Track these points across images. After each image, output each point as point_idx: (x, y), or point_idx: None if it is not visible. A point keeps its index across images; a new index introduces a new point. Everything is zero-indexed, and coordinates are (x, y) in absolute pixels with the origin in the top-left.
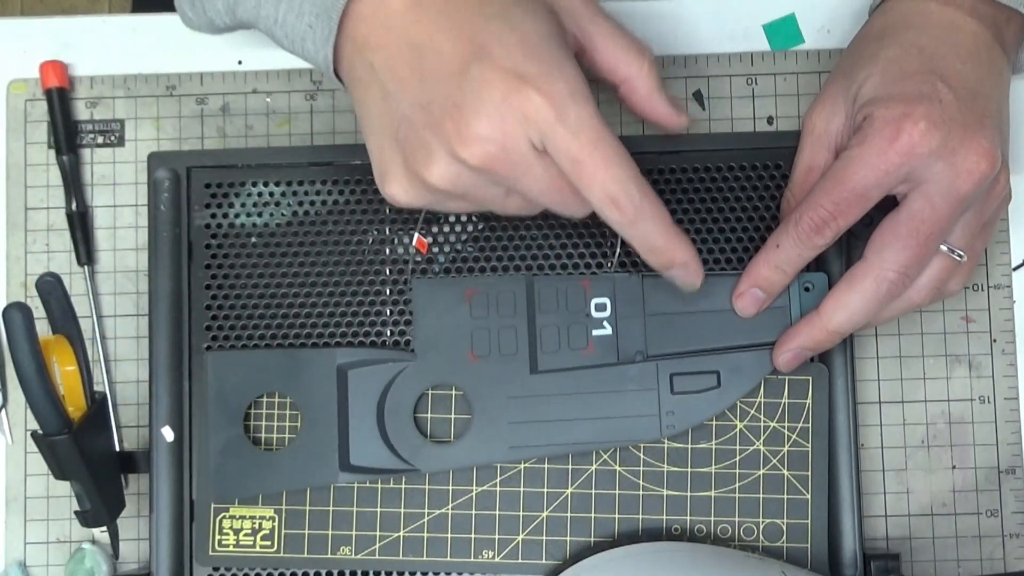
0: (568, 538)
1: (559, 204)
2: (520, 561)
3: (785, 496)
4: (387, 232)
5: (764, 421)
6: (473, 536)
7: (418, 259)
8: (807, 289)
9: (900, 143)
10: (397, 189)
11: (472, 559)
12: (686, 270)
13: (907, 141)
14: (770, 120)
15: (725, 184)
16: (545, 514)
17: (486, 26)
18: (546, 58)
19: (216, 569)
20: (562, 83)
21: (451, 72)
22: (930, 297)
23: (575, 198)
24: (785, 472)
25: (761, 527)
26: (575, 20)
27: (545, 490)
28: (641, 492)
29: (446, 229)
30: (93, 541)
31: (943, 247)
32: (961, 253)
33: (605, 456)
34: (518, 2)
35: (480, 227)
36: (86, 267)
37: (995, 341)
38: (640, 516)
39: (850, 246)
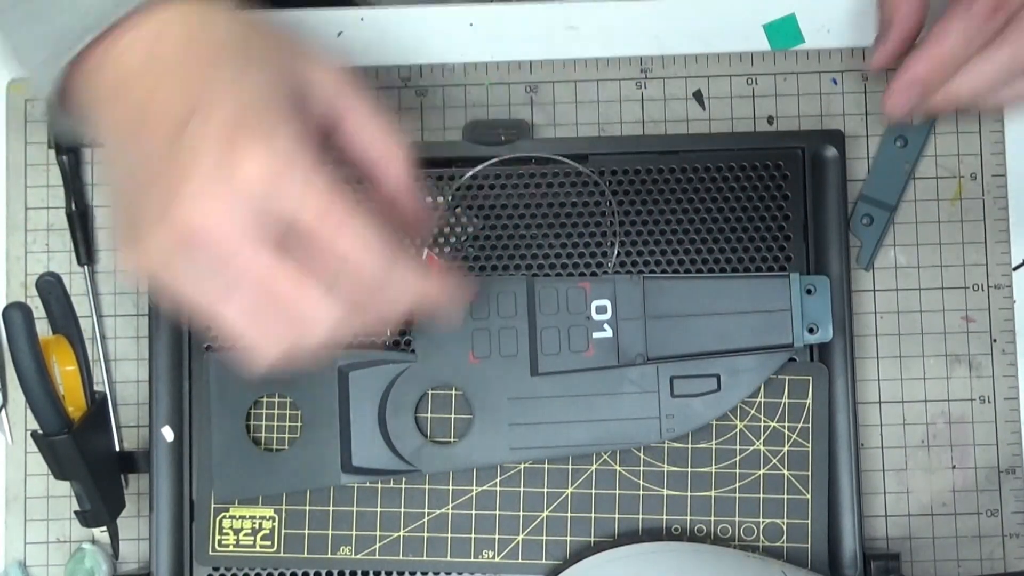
0: (568, 538)
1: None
2: (520, 561)
3: (785, 496)
4: None
5: (764, 421)
6: (473, 536)
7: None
8: (809, 292)
9: None
10: (128, 256)
11: (472, 559)
12: (454, 300)
13: None
14: (770, 120)
15: (725, 184)
16: (545, 514)
17: (213, 82)
18: (271, 112)
19: (216, 569)
20: (284, 138)
21: (172, 126)
22: None
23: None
24: (785, 472)
25: (761, 527)
26: (326, 96)
27: (545, 490)
28: (641, 492)
29: (446, 229)
30: (93, 541)
31: None
32: None
33: (605, 456)
34: (254, 64)
35: (480, 227)
36: (86, 267)
37: (995, 341)
38: (640, 516)
39: (849, 247)
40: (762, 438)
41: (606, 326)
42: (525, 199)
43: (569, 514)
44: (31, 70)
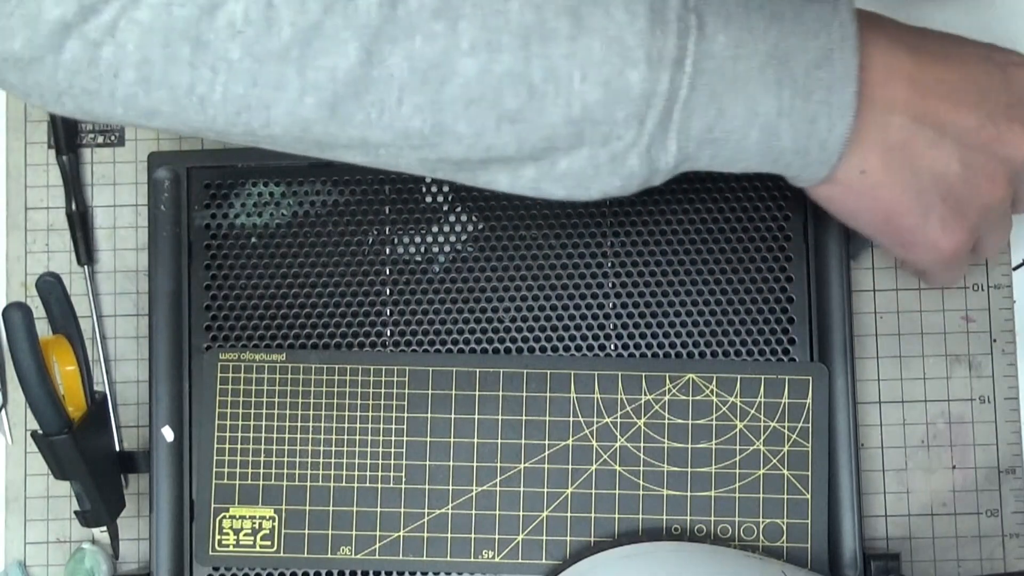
0: (568, 538)
1: None
2: (520, 561)
3: (785, 496)
4: (387, 232)
5: (764, 421)
6: (473, 536)
7: (418, 259)
8: None
9: None
10: (952, 237)
11: (472, 559)
12: None
13: None
14: None
15: (725, 184)
16: (545, 514)
17: (980, 64)
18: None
19: (216, 569)
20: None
21: (993, 80)
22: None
23: None
24: (785, 472)
25: (761, 527)
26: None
27: (545, 490)
28: (641, 492)
29: (446, 229)
30: (93, 541)
31: None
32: None
33: (605, 456)
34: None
35: (480, 227)
36: (86, 267)
37: (995, 341)
38: (640, 516)
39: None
40: (762, 438)
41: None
42: (526, 199)
43: (569, 514)
44: (806, 125)
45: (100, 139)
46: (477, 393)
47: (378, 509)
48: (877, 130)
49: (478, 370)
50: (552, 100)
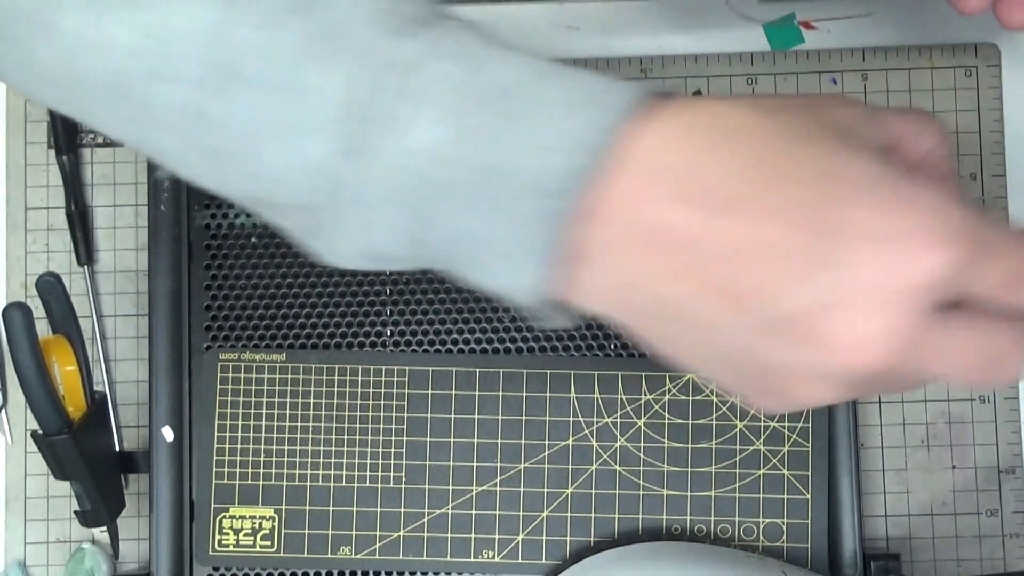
0: (568, 538)
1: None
2: (520, 561)
3: (785, 496)
4: None
5: (764, 421)
6: (473, 536)
7: None
8: None
9: None
10: (778, 408)
11: (472, 559)
12: None
13: None
14: None
15: None
16: (545, 514)
17: (818, 191)
18: (905, 197)
19: (216, 569)
20: (938, 220)
21: (799, 269)
22: None
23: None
24: (785, 472)
25: (761, 527)
26: (878, 122)
27: (545, 490)
28: (641, 492)
29: None
30: (93, 541)
31: None
32: None
33: (605, 456)
34: (824, 136)
35: None
36: (86, 267)
37: None
38: (640, 516)
39: None
40: (762, 438)
41: None
42: None
43: (569, 514)
44: (491, 263)
45: (100, 139)
46: (477, 393)
47: (378, 509)
48: (614, 292)
49: (478, 370)
50: (244, 154)
